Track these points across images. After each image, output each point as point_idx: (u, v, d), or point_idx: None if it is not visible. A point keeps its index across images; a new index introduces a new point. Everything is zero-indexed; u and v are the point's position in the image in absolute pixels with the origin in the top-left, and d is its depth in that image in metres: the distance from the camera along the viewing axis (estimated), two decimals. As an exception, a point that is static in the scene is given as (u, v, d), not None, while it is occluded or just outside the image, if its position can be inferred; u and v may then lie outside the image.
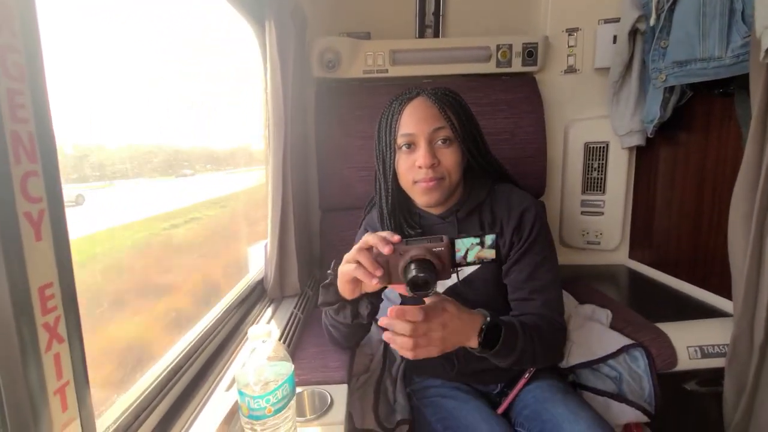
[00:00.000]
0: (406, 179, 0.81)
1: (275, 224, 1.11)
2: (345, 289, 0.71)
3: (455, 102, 0.80)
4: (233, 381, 0.73)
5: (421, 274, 0.57)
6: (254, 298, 1.12)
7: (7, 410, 0.35)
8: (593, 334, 1.05)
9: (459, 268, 0.87)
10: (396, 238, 0.63)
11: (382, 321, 0.62)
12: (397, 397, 0.96)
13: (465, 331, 0.66)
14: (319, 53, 1.35)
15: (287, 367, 0.55)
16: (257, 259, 1.20)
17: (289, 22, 1.10)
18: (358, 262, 0.63)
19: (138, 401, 0.56)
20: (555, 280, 0.84)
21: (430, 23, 1.48)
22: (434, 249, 0.60)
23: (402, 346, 0.61)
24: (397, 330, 0.61)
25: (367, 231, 0.94)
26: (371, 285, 0.63)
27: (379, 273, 0.61)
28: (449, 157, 0.78)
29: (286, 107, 1.10)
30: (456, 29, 1.50)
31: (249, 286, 1.14)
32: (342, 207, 1.40)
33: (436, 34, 1.48)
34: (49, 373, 0.38)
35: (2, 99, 0.32)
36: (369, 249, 0.63)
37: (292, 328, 1.01)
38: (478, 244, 0.61)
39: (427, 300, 0.66)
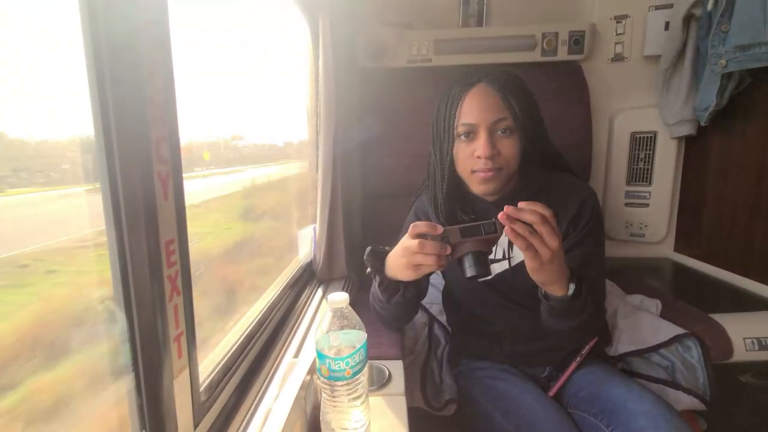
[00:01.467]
0: (464, 167, 0.82)
1: (324, 209, 1.15)
2: (402, 274, 0.74)
3: (518, 89, 0.79)
4: (298, 349, 0.77)
5: (480, 269, 0.63)
6: (304, 279, 1.16)
7: (141, 352, 0.39)
8: (643, 323, 1.04)
9: (511, 255, 0.89)
10: (439, 229, 0.66)
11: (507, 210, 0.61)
12: (444, 378, 0.98)
13: (563, 268, 0.66)
14: (365, 43, 1.37)
15: (362, 335, 0.58)
16: (306, 242, 1.24)
17: (341, 13, 1.13)
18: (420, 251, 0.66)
19: (223, 361, 0.60)
20: (604, 274, 0.85)
21: (474, 12, 1.47)
22: (488, 238, 0.64)
23: (529, 219, 0.60)
24: (524, 216, 0.61)
25: (418, 216, 0.97)
26: (435, 267, 0.67)
27: (447, 251, 0.64)
28: (509, 148, 0.78)
29: (337, 98, 1.13)
30: (500, 18, 1.49)
31: (300, 268, 1.18)
32: (384, 194, 1.43)
33: (479, 23, 1.48)
34: (171, 321, 0.42)
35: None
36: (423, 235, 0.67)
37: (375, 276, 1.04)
38: None
39: None
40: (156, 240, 0.39)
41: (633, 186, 1.49)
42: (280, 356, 0.74)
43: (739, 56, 1.01)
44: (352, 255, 1.32)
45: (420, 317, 1.16)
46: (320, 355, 0.55)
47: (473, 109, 0.77)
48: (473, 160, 0.79)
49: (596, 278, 0.82)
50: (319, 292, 1.11)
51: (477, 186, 0.82)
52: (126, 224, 0.36)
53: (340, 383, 0.55)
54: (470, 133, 0.78)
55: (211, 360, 0.60)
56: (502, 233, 0.61)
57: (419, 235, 0.66)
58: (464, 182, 0.86)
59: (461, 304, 0.99)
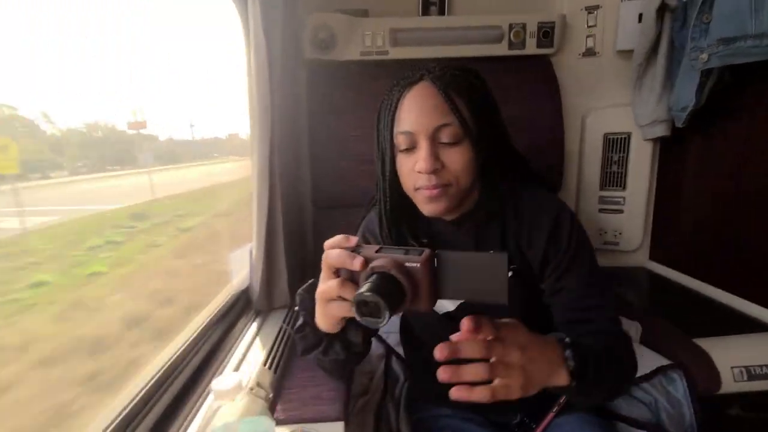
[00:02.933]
0: (407, 183, 0.66)
1: (261, 226, 0.98)
2: (326, 325, 0.58)
3: (468, 86, 0.63)
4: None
5: (369, 294, 0.40)
6: (238, 310, 0.99)
7: None
8: (623, 351, 0.92)
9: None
10: (352, 240, 0.49)
11: (438, 351, 0.45)
12: (401, 426, 0.83)
13: (547, 358, 0.50)
14: (312, 31, 1.20)
15: (265, 426, 0.42)
16: (241, 265, 1.06)
17: (274, -6, 0.95)
18: (341, 297, 0.49)
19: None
20: (610, 289, 0.70)
21: (435, 0, 1.32)
22: (407, 264, 0.43)
23: (476, 376, 0.45)
24: (465, 353, 0.44)
25: (366, 237, 0.81)
26: (342, 297, 0.49)
27: (357, 265, 0.46)
28: (456, 159, 0.62)
29: (273, 92, 0.95)
30: (464, 7, 1.35)
31: (233, 297, 1.00)
32: (339, 204, 1.26)
33: (441, 12, 1.33)
34: None
35: None
36: (338, 272, 0.49)
37: (280, 348, 0.88)
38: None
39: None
40: None
41: (607, 191, 1.39)
42: (191, 416, 0.57)
43: (722, 50, 0.90)
44: (300, 277, 1.15)
45: (376, 348, 1.01)
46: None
47: (411, 114, 0.61)
48: (416, 176, 0.63)
49: (606, 300, 0.67)
50: (254, 326, 0.94)
51: (423, 206, 0.66)
52: None
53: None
54: (410, 144, 0.63)
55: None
56: (426, 264, 0.43)
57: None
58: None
59: (420, 338, 0.84)
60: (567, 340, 0.53)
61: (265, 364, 0.78)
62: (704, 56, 0.94)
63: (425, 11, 1.33)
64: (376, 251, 0.45)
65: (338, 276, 0.50)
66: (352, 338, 0.61)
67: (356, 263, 0.45)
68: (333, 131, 1.23)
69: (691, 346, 0.89)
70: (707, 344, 0.89)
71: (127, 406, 0.56)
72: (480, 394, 0.44)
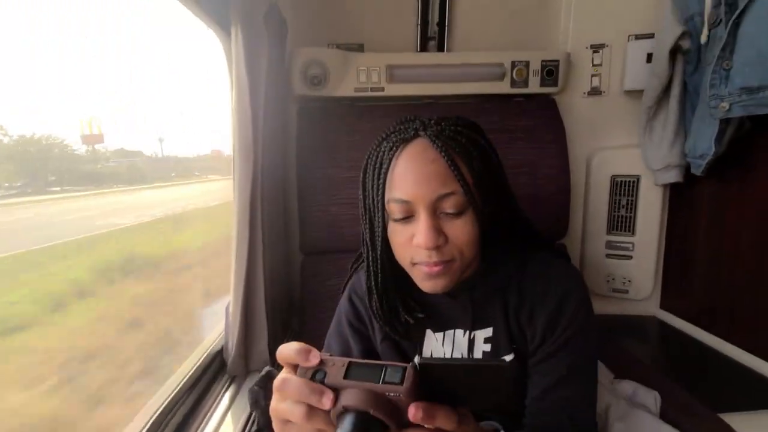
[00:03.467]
0: (402, 256, 0.58)
1: (240, 279, 0.88)
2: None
3: (471, 145, 0.55)
4: None
5: None
6: (210, 375, 0.88)
7: None
8: (643, 430, 0.82)
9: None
10: (312, 357, 0.38)
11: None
12: None
13: None
14: (302, 67, 1.13)
15: None
16: (214, 322, 0.96)
17: (261, 27, 0.88)
18: None
19: None
20: (592, 393, 0.61)
21: (434, 35, 1.27)
22: (387, 394, 0.35)
23: None
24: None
25: (353, 303, 0.71)
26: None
27: (326, 403, 0.36)
28: (461, 232, 0.54)
29: (257, 133, 0.87)
30: (464, 43, 1.29)
31: (207, 357, 0.90)
32: (327, 249, 1.17)
33: (440, 48, 1.28)
34: None
35: None
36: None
37: (258, 421, 0.77)
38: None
39: None
40: None
41: (614, 235, 1.31)
42: None
43: (745, 99, 0.84)
44: (283, 333, 1.05)
45: None
46: None
47: (407, 180, 0.53)
48: (413, 249, 0.55)
49: (579, 403, 0.59)
50: (227, 395, 0.83)
51: (422, 283, 0.58)
52: None
53: None
54: (406, 213, 0.54)
55: None
56: (411, 390, 0.34)
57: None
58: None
59: None
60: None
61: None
62: (725, 105, 0.87)
63: (423, 47, 1.27)
64: (345, 374, 0.36)
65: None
66: None
67: (325, 402, 0.35)
68: (323, 172, 1.15)
69: (716, 422, 0.79)
70: (734, 420, 0.79)
71: None
72: None
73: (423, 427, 0.35)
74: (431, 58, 1.22)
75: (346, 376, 0.36)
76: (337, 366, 0.37)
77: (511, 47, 1.25)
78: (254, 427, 0.74)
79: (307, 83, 1.14)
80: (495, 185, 0.57)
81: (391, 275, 0.61)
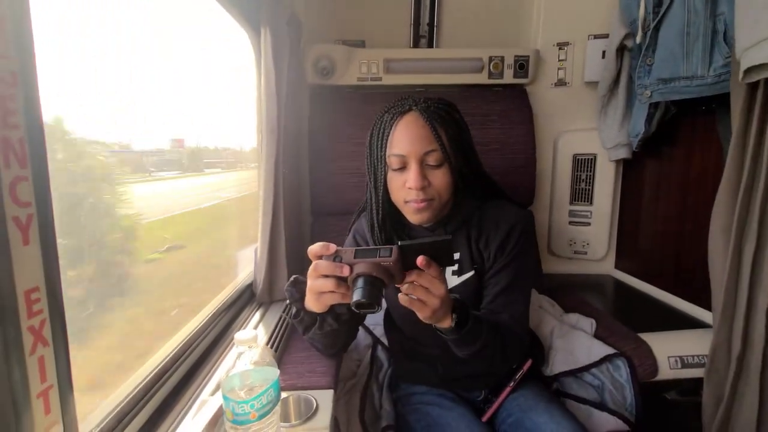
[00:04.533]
0: (397, 196, 0.82)
1: (266, 229, 1.12)
2: (319, 308, 0.71)
3: (448, 118, 0.79)
4: (218, 385, 0.74)
5: (364, 299, 0.55)
6: (243, 302, 1.12)
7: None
8: (577, 343, 1.06)
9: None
10: (331, 248, 0.63)
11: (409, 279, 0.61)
12: (383, 403, 0.96)
13: (447, 306, 0.66)
14: (314, 60, 1.36)
15: (272, 373, 0.56)
16: (247, 262, 1.20)
17: (284, 28, 1.11)
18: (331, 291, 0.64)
19: (122, 405, 0.56)
20: (526, 299, 0.85)
21: (425, 33, 1.50)
22: (382, 263, 0.58)
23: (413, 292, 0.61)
24: (423, 281, 0.60)
25: (356, 239, 0.96)
26: (337, 295, 0.64)
27: (344, 272, 0.61)
28: (440, 179, 0.78)
29: (280, 113, 1.10)
30: (450, 40, 1.52)
31: (238, 290, 1.14)
32: (333, 212, 1.41)
33: (430, 44, 1.51)
34: (33, 376, 0.38)
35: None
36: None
37: (280, 333, 1.01)
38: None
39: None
40: (10, 290, 0.35)
41: (576, 205, 1.55)
42: (196, 393, 0.70)
43: (661, 88, 1.07)
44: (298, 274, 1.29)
45: (364, 339, 1.15)
46: (224, 398, 0.53)
47: (403, 140, 0.77)
48: (405, 191, 0.79)
49: (519, 304, 0.83)
50: (257, 315, 1.08)
51: (411, 216, 0.82)
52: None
53: (244, 427, 0.52)
54: (401, 164, 0.78)
55: (109, 404, 0.56)
56: (397, 260, 0.59)
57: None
58: (399, 209, 0.86)
59: (399, 325, 0.98)
60: (458, 298, 0.70)
61: (267, 344, 0.91)
62: (648, 92, 1.10)
63: (416, 43, 1.50)
64: (354, 256, 0.60)
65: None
66: (339, 310, 0.76)
67: (345, 271, 0.60)
68: (330, 147, 1.38)
69: (634, 338, 1.03)
70: (649, 337, 1.03)
71: (151, 372, 0.69)
72: (402, 298, 0.61)
73: (411, 283, 0.60)
74: (422, 53, 1.45)
75: (355, 257, 0.61)
76: (347, 252, 0.62)
77: (489, 44, 1.47)
78: (285, 331, 0.99)
79: (317, 73, 1.37)
80: (463, 149, 0.82)
81: (388, 213, 0.85)
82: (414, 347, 0.95)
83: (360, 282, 0.57)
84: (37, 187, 0.37)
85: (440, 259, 0.61)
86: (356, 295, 0.56)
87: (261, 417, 0.53)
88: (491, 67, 1.42)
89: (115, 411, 0.55)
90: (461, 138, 0.81)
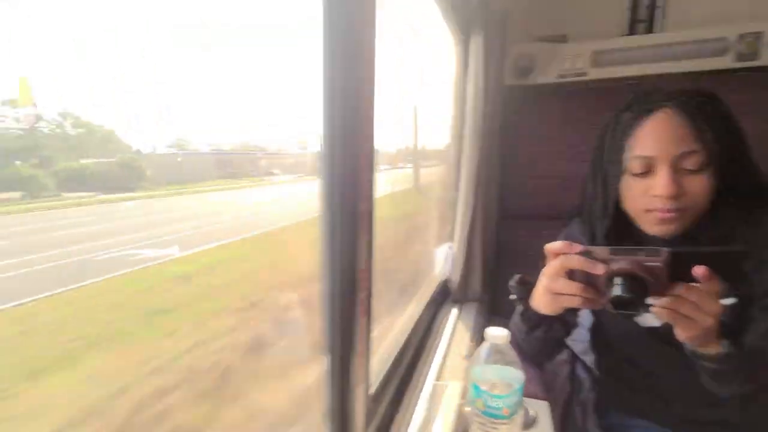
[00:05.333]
0: (634, 204, 0.71)
1: (464, 229, 1.15)
2: (552, 311, 0.66)
3: (714, 113, 0.64)
4: (439, 372, 0.79)
5: (626, 295, 0.49)
6: (441, 298, 1.18)
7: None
8: None
9: None
10: (575, 246, 0.57)
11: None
12: (588, 427, 0.88)
13: (717, 326, 0.55)
14: (514, 60, 1.34)
15: (519, 375, 0.56)
16: (440, 260, 1.26)
17: (494, 33, 1.12)
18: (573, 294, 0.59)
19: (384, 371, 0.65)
20: None
21: (644, 17, 1.31)
22: (646, 263, 0.50)
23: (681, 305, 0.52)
24: (694, 295, 0.51)
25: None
26: (579, 300, 0.59)
27: (598, 270, 0.55)
28: (698, 187, 0.64)
29: (485, 116, 1.12)
30: (679, 21, 1.29)
31: (437, 286, 1.21)
32: (522, 215, 1.36)
33: (649, 29, 1.31)
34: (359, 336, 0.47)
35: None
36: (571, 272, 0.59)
37: (476, 333, 1.03)
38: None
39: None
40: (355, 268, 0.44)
41: None
42: (423, 376, 0.77)
43: None
44: (484, 277, 1.30)
45: (559, 354, 1.07)
46: (476, 388, 0.56)
47: (652, 139, 0.66)
48: (648, 199, 0.67)
49: None
50: (454, 312, 1.12)
51: (651, 227, 0.70)
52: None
53: (496, 421, 0.54)
54: (646, 168, 0.67)
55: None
56: (667, 265, 0.50)
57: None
58: (631, 219, 0.75)
59: (617, 348, 0.88)
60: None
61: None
62: None
63: (632, 30, 1.33)
64: (610, 253, 0.54)
65: (570, 275, 0.61)
66: (568, 318, 0.73)
67: (599, 268, 0.55)
68: (524, 150, 1.34)
69: None
70: None
71: (392, 354, 0.79)
72: (660, 311, 0.53)
73: (680, 292, 0.51)
74: (640, 40, 1.27)
75: (611, 254, 0.54)
76: (598, 250, 0.56)
77: (737, 19, 1.19)
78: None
79: (516, 73, 1.34)
80: (737, 150, 0.65)
81: (615, 223, 0.76)
82: (634, 375, 0.84)
83: (620, 279, 0.51)
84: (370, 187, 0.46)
85: (724, 273, 0.50)
86: (617, 290, 0.50)
87: (512, 415, 0.54)
88: (742, 47, 1.15)
89: (380, 378, 0.64)
90: (732, 134, 0.65)
